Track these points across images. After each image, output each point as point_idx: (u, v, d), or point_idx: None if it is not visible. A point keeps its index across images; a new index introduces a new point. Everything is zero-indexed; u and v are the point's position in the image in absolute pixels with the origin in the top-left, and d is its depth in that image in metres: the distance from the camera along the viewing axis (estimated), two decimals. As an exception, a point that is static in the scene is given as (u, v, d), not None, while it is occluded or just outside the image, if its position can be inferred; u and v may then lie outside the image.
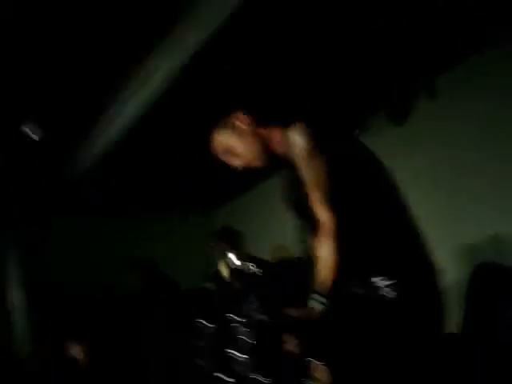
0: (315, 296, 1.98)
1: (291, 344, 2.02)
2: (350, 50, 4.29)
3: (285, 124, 2.34)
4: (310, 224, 2.18)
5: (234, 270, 4.02)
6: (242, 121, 2.41)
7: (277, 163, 2.41)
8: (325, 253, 2.01)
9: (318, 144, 2.11)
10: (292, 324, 2.10)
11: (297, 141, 2.12)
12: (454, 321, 2.27)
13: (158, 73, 4.33)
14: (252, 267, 3.81)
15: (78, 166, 6.09)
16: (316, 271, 2.01)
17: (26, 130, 2.51)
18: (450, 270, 4.32)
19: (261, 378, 3.56)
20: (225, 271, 3.92)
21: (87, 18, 3.79)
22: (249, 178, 6.69)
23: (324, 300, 1.97)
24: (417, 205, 2.29)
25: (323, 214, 2.05)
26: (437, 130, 4.89)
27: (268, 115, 2.50)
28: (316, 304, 1.97)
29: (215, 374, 3.81)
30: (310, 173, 2.10)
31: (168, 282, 5.66)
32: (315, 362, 2.13)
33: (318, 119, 2.25)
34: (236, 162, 2.41)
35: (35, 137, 2.53)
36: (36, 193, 6.06)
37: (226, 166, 2.49)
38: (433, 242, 2.20)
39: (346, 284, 2.02)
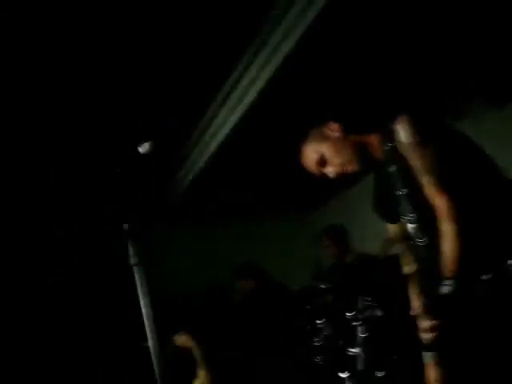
0: (446, 282, 1.98)
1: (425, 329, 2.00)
2: (444, 34, 4.22)
3: (375, 130, 2.40)
4: (419, 216, 2.18)
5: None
6: (332, 129, 2.44)
7: (371, 167, 2.45)
8: (448, 237, 2.01)
9: (424, 133, 2.13)
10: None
11: (404, 132, 2.14)
12: None
13: (252, 86, 4.50)
14: None
15: (184, 177, 6.37)
16: (442, 256, 2.01)
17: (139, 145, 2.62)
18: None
19: (375, 372, 3.59)
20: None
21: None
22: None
23: (454, 284, 1.96)
24: None
25: (441, 198, 2.06)
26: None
27: (357, 124, 2.50)
28: (447, 289, 1.96)
29: (333, 370, 3.86)
30: (421, 161, 2.11)
31: (276, 287, 5.72)
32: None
33: (417, 111, 2.25)
34: (329, 170, 2.43)
35: (145, 150, 2.63)
36: (152, 205, 6.38)
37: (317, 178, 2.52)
38: None
39: (473, 267, 2.01)
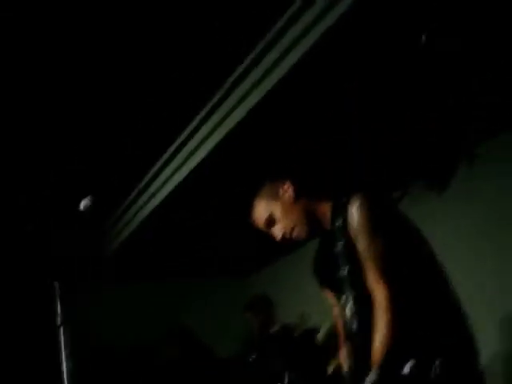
0: (372, 372, 1.94)
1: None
2: (390, 119, 4.35)
3: (329, 197, 2.40)
4: (354, 297, 2.17)
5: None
6: (285, 190, 2.41)
7: (317, 235, 2.43)
8: (381, 328, 1.98)
9: (377, 219, 2.12)
10: None
11: (357, 215, 2.13)
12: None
13: (199, 149, 4.49)
14: None
15: (121, 234, 6.26)
16: (373, 347, 1.98)
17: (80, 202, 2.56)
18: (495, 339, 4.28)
19: None
20: None
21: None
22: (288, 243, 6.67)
23: (378, 375, 1.92)
24: (458, 271, 2.33)
25: (380, 288, 2.04)
26: (477, 196, 4.86)
27: (313, 187, 2.51)
28: (370, 379, 1.93)
29: None
30: (368, 247, 2.10)
31: (203, 350, 5.63)
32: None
33: (371, 190, 2.26)
34: (276, 231, 2.40)
35: (85, 207, 2.56)
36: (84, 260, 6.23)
37: (265, 235, 2.48)
38: (474, 311, 2.21)
39: (397, 362, 1.96)
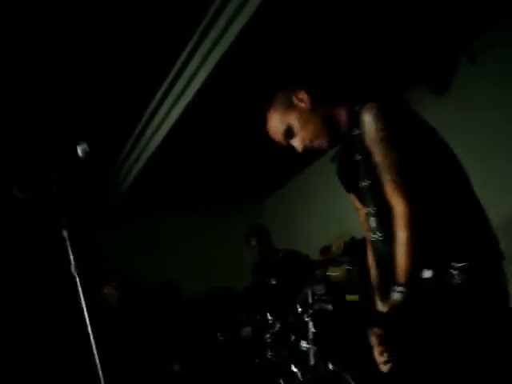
0: (396, 288, 1.90)
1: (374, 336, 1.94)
2: (388, 21, 4.22)
3: (344, 102, 2.28)
4: (379, 210, 2.12)
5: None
6: (301, 99, 2.27)
7: (339, 142, 2.31)
8: (401, 244, 1.92)
9: (392, 128, 2.02)
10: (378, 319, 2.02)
11: (370, 125, 2.03)
12: None
13: (202, 67, 4.37)
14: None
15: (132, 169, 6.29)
16: (395, 260, 1.93)
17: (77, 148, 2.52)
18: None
19: (326, 366, 3.58)
20: None
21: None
22: (296, 163, 6.67)
23: (404, 290, 1.89)
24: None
25: (399, 201, 1.97)
26: (480, 97, 4.75)
27: (328, 93, 2.35)
28: (398, 295, 1.89)
29: (286, 366, 3.84)
30: (384, 158, 2.01)
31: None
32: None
33: (384, 98, 2.12)
34: (297, 143, 2.28)
35: (83, 152, 2.53)
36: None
37: (283, 148, 2.37)
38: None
39: (421, 272, 1.96)
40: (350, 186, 2.35)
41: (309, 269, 4.22)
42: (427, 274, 1.97)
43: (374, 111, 2.04)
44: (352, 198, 2.42)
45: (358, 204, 2.37)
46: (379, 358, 1.97)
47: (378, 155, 2.02)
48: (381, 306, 2.36)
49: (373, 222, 2.16)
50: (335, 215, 5.95)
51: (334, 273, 4.01)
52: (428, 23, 4.31)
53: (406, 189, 1.97)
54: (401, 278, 1.90)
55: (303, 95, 2.26)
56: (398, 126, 2.04)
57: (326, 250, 5.48)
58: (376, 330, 1.91)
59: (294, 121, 2.25)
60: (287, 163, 6.17)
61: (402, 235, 1.93)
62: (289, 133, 2.27)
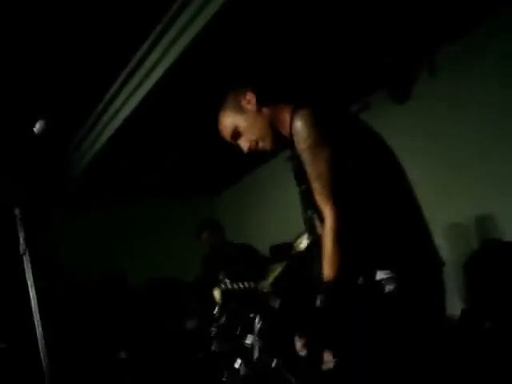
0: (320, 295, 1.94)
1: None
2: (350, 27, 4.24)
3: (290, 101, 2.27)
4: (315, 215, 2.16)
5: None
6: (249, 100, 2.30)
7: (284, 144, 2.29)
8: (328, 247, 1.94)
9: (322, 133, 2.00)
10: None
11: (300, 132, 2.03)
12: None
13: (164, 57, 4.33)
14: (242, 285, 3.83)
15: (85, 156, 6.18)
16: (322, 266, 1.95)
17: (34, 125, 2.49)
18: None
19: (267, 359, 3.60)
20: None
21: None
22: (255, 157, 6.68)
23: (323, 298, 1.93)
24: (417, 183, 2.23)
25: (326, 207, 1.97)
26: (437, 107, 4.84)
27: (273, 93, 2.38)
28: (318, 302, 1.93)
29: (228, 359, 3.85)
30: (312, 167, 2.01)
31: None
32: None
33: (321, 100, 2.16)
34: (242, 144, 2.32)
35: (39, 129, 2.50)
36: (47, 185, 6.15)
37: (232, 149, 2.40)
38: (431, 221, 2.16)
39: (349, 278, 1.97)
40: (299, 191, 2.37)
41: (259, 264, 4.24)
42: (358, 282, 1.99)
43: (304, 117, 2.04)
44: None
45: None
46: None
47: (307, 163, 2.03)
48: None
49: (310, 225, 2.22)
50: (287, 213, 5.99)
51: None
52: (392, 31, 4.37)
53: (335, 198, 1.97)
54: (324, 285, 1.93)
55: (250, 97, 2.29)
56: (329, 132, 2.03)
57: (276, 247, 5.51)
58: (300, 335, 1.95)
59: (240, 122, 2.30)
60: (242, 158, 6.17)
61: (327, 246, 1.94)
62: (235, 134, 2.32)
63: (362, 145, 2.10)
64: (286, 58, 4.53)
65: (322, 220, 2.08)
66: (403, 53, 4.75)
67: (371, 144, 2.14)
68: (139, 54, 4.52)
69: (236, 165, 6.88)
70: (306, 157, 2.03)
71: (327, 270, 1.93)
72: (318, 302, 1.93)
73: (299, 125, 2.04)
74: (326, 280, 1.93)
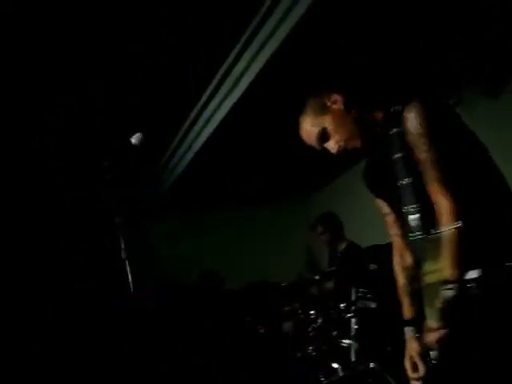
0: (448, 286, 1.85)
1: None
2: (445, 21, 4.16)
3: (379, 105, 2.29)
4: (422, 207, 2.09)
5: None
6: (335, 101, 2.29)
7: (373, 145, 2.31)
8: (447, 240, 1.90)
9: (435, 124, 2.03)
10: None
11: (414, 121, 2.04)
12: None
13: (247, 71, 4.43)
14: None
15: (178, 166, 6.36)
16: (442, 259, 1.89)
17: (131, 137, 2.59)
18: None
19: (366, 363, 3.58)
20: None
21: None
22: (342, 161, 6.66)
23: (455, 286, 1.86)
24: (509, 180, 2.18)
25: (443, 197, 1.97)
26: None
27: (362, 96, 2.37)
28: (449, 292, 1.85)
29: (325, 361, 3.86)
30: (428, 154, 2.02)
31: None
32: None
33: (429, 97, 2.13)
34: (331, 145, 2.29)
35: (137, 141, 2.59)
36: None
37: (318, 152, 2.37)
38: None
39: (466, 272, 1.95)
40: (381, 188, 2.37)
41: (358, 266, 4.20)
42: (473, 274, 1.96)
43: (417, 109, 2.06)
44: (380, 203, 2.45)
45: (386, 209, 2.40)
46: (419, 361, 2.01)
47: (422, 151, 2.03)
48: (408, 310, 2.36)
49: (413, 220, 2.13)
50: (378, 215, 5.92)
51: None
52: (488, 27, 4.28)
53: (451, 186, 1.97)
54: (450, 274, 1.88)
55: (337, 98, 2.28)
56: (440, 124, 2.05)
57: (371, 248, 5.42)
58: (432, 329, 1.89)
59: (328, 123, 2.26)
60: (334, 161, 6.16)
61: (448, 232, 1.90)
62: (323, 136, 2.28)
63: (465, 140, 2.12)
64: (374, 55, 4.49)
65: (424, 214, 2.08)
66: (498, 48, 4.63)
67: (472, 140, 2.15)
68: (225, 65, 4.58)
69: (327, 167, 6.87)
70: (421, 144, 2.03)
71: (451, 256, 1.90)
72: (449, 292, 1.84)
73: (414, 115, 2.05)
74: (451, 268, 1.89)
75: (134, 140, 2.57)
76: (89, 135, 5.23)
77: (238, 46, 4.34)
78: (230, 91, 4.77)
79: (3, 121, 4.80)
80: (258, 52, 4.25)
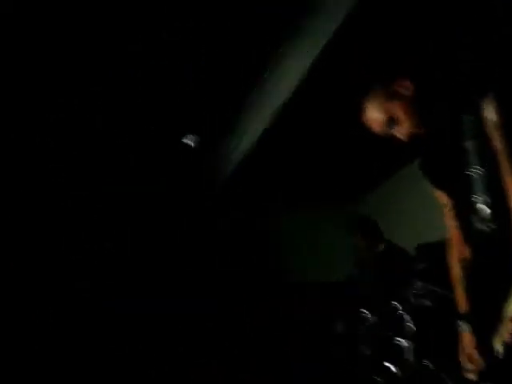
0: None
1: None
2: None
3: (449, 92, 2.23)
4: (494, 199, 2.03)
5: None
6: (405, 87, 2.20)
7: (439, 133, 2.23)
8: None
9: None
10: None
11: (497, 112, 1.97)
12: None
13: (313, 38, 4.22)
14: None
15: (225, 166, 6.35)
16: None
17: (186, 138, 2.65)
18: None
19: (424, 363, 3.54)
20: None
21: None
22: (394, 161, 6.59)
23: None
24: None
25: None
26: None
27: (433, 83, 2.27)
28: None
29: (380, 361, 3.84)
30: (508, 147, 1.96)
31: None
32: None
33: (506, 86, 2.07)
34: (401, 131, 2.21)
35: (191, 143, 2.65)
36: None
37: (382, 139, 2.29)
38: None
39: None
40: (443, 177, 2.29)
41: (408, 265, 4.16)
42: None
43: (498, 99, 2.00)
44: (439, 193, 2.36)
45: (445, 199, 2.32)
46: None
47: (501, 142, 1.97)
48: (462, 303, 2.30)
49: (483, 210, 2.05)
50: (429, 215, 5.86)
51: None
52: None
53: None
54: None
55: (407, 83, 2.20)
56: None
57: (423, 247, 5.35)
58: None
59: (396, 110, 2.19)
60: (386, 161, 6.13)
61: None
62: (391, 122, 2.21)
63: None
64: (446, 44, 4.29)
65: (497, 206, 2.02)
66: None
67: None
68: (272, 63, 4.56)
69: (379, 168, 6.82)
70: (502, 137, 1.97)
71: None
72: None
73: (494, 104, 1.99)
74: None
75: (190, 140, 2.62)
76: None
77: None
78: (277, 91, 4.73)
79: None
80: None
